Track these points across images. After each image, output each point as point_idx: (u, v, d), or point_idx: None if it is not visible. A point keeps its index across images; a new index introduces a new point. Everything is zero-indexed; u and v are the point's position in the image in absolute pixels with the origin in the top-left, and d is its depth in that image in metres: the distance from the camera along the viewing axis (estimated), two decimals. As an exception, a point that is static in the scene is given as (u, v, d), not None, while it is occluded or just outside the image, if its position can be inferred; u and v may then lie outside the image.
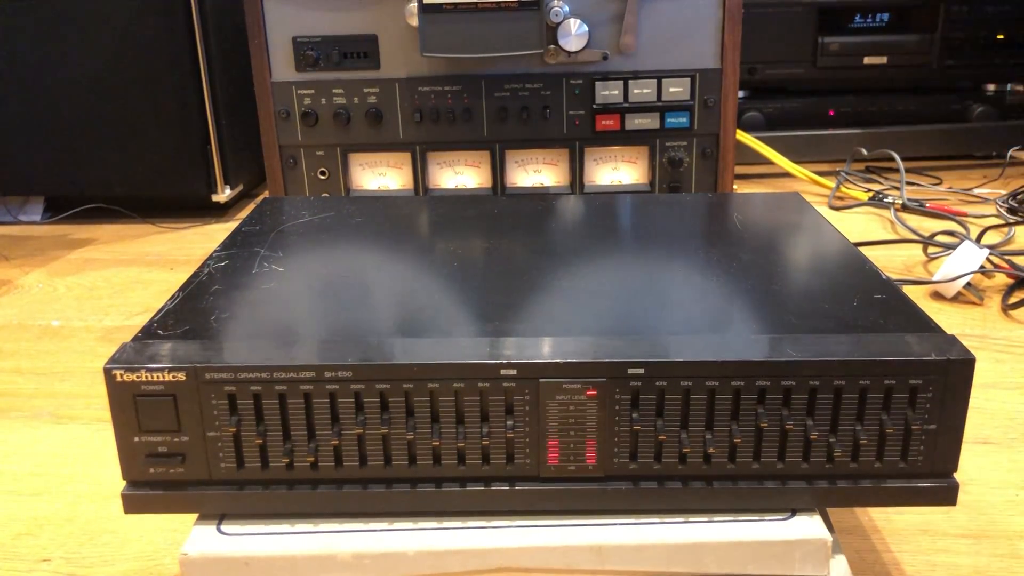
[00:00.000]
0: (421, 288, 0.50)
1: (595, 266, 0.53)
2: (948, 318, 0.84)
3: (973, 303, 0.88)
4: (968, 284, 0.88)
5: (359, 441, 0.42)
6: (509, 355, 0.41)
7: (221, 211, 1.25)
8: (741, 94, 1.39)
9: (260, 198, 1.03)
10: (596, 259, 0.54)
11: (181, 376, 0.40)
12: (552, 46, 0.93)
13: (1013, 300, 0.87)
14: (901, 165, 1.22)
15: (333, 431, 0.41)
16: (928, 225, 1.10)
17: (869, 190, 1.25)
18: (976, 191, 1.26)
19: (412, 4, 0.92)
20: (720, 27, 0.94)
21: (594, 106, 0.97)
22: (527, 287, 0.49)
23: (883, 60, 1.37)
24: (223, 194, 1.20)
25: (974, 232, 1.06)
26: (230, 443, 0.41)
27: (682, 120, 0.97)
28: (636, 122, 0.97)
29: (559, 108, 0.97)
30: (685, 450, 0.41)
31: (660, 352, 0.41)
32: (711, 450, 0.41)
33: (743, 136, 1.20)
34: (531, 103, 0.97)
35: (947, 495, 0.42)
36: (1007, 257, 0.92)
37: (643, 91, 0.96)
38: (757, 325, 0.44)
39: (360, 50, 0.96)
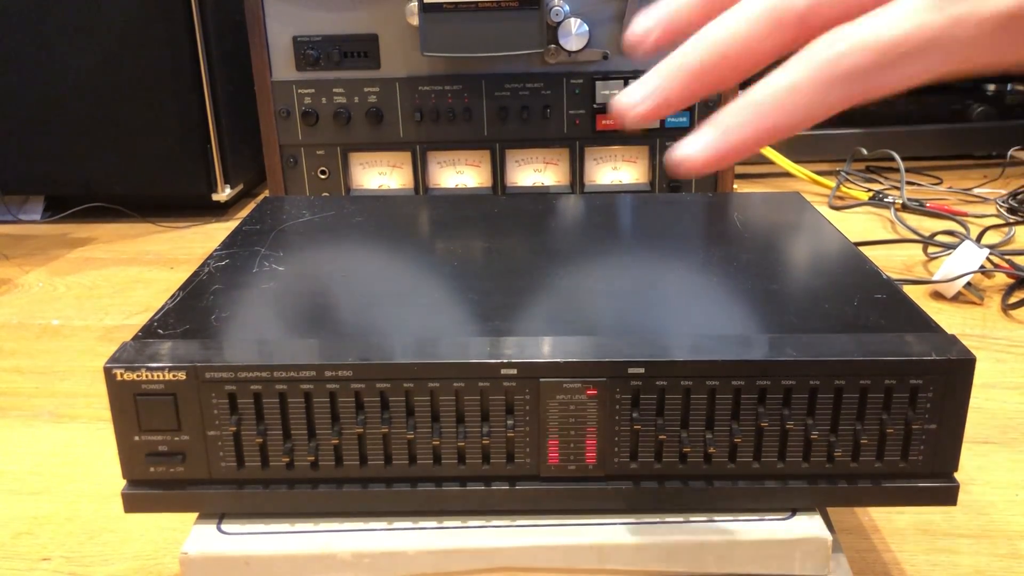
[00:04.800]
0: (421, 287, 0.50)
1: (595, 266, 0.53)
2: (948, 318, 0.84)
3: (973, 303, 0.88)
4: (968, 284, 0.88)
5: (359, 440, 0.42)
6: (509, 355, 0.41)
7: (221, 210, 1.25)
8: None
9: (260, 197, 1.03)
10: (596, 259, 0.54)
11: (181, 375, 0.40)
12: (552, 45, 0.93)
13: (1013, 300, 0.87)
14: (901, 165, 1.22)
15: (333, 430, 0.41)
16: (928, 225, 1.10)
17: (869, 190, 1.25)
18: (976, 191, 1.27)
19: (412, 3, 0.92)
20: (720, 27, 0.94)
21: (594, 105, 0.97)
22: (527, 287, 0.49)
23: (883, 60, 1.37)
24: (223, 193, 1.20)
25: (974, 232, 1.06)
26: (230, 442, 0.41)
27: (682, 120, 0.97)
28: (636, 122, 0.97)
29: (559, 107, 0.97)
30: (685, 450, 0.41)
31: (660, 352, 0.41)
32: (711, 450, 0.41)
33: (743, 136, 1.20)
34: (531, 102, 0.97)
35: (947, 495, 0.42)
36: (1007, 257, 0.92)
37: (643, 91, 0.96)
38: (757, 325, 0.44)
39: (360, 49, 0.96)
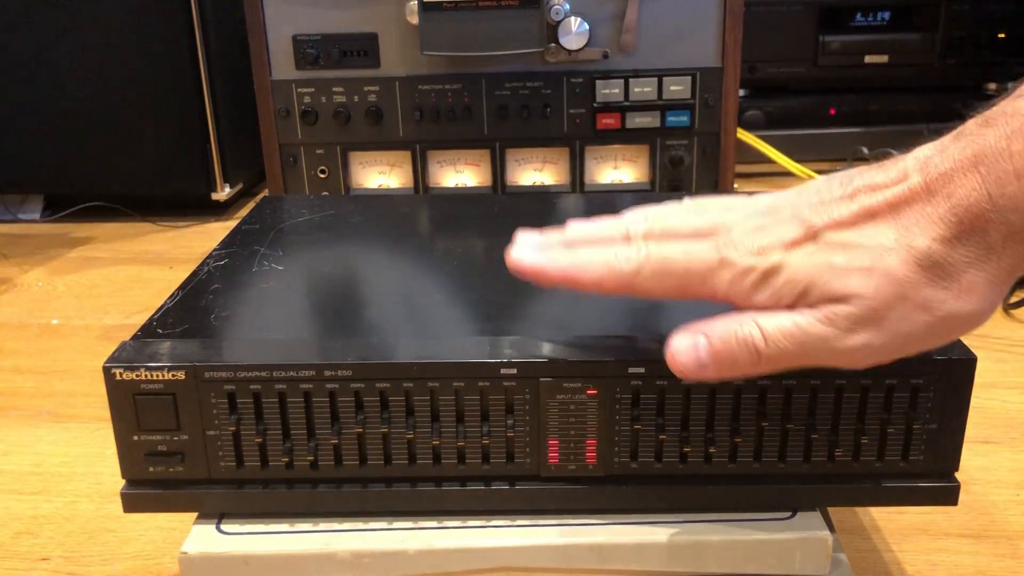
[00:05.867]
0: (421, 287, 0.50)
1: (595, 265, 0.52)
2: (949, 317, 0.84)
3: (974, 302, 0.88)
4: (969, 283, 0.88)
5: (359, 440, 0.41)
6: (509, 355, 0.41)
7: (221, 209, 1.24)
8: (742, 92, 1.38)
9: (260, 196, 1.03)
10: (596, 258, 0.54)
11: (180, 375, 0.40)
12: (552, 44, 0.93)
13: (1014, 300, 0.87)
14: (902, 164, 1.21)
15: (333, 430, 0.41)
16: (929, 224, 1.10)
17: (870, 189, 1.25)
18: (977, 190, 1.26)
19: (412, 2, 0.92)
20: (721, 25, 0.94)
21: (595, 104, 0.97)
22: (527, 286, 0.49)
23: (884, 59, 1.37)
24: (223, 192, 1.20)
25: (975, 231, 1.06)
26: (230, 442, 0.41)
27: (683, 119, 0.97)
28: (637, 121, 0.97)
29: (559, 107, 0.97)
30: (686, 449, 0.41)
31: (661, 351, 0.41)
32: (712, 450, 0.41)
33: (744, 135, 1.20)
34: (531, 102, 0.97)
35: (948, 495, 0.42)
36: (1008, 256, 0.92)
37: (644, 90, 0.96)
38: (758, 324, 0.44)
39: (360, 48, 0.96)
